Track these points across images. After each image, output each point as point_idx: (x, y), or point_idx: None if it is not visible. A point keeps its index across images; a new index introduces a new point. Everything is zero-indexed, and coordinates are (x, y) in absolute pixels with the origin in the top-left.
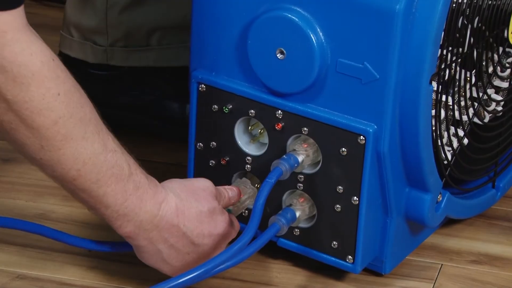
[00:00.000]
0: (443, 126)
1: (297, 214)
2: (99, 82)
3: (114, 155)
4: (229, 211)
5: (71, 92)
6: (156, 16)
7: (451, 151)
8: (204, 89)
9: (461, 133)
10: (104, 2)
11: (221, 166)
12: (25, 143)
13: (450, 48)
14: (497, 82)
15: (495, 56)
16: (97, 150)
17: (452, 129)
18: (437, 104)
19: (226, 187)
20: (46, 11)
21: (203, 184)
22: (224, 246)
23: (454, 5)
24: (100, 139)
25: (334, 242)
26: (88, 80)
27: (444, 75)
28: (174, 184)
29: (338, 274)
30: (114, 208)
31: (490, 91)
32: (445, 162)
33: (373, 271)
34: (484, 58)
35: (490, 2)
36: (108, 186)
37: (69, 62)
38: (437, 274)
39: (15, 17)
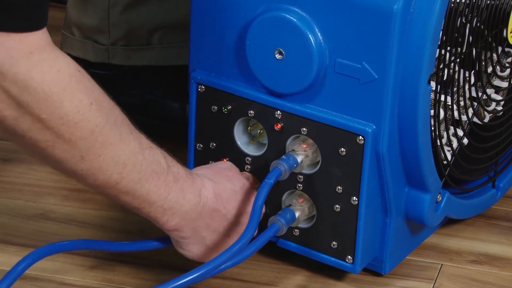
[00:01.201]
0: (443, 126)
1: (297, 214)
2: (100, 81)
3: (151, 151)
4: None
5: (101, 99)
6: (158, 15)
7: (451, 151)
8: (203, 90)
9: (460, 133)
10: (105, 1)
11: None
12: (64, 157)
13: (448, 48)
14: (496, 82)
15: (494, 56)
16: (134, 149)
17: (452, 129)
18: (436, 104)
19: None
20: None
21: (227, 165)
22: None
23: (452, 4)
24: (135, 138)
25: (334, 242)
26: None
27: (443, 75)
28: (203, 170)
29: (337, 274)
30: (159, 203)
31: (490, 91)
32: (445, 162)
33: (373, 271)
34: (483, 58)
35: (488, 1)
36: (150, 183)
37: None
38: (437, 274)
39: (40, 37)
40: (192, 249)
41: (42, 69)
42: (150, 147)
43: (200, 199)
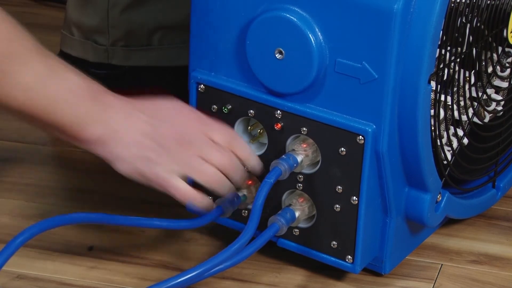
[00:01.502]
0: (443, 126)
1: (297, 214)
2: (99, 81)
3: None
4: (243, 198)
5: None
6: (157, 16)
7: (451, 151)
8: (203, 90)
9: (460, 133)
10: (105, 1)
11: None
12: None
13: (448, 48)
14: (497, 82)
15: (495, 56)
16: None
17: (452, 129)
18: (436, 103)
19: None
20: (46, 11)
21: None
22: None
23: (452, 4)
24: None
25: (334, 242)
26: None
27: (443, 75)
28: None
29: (337, 274)
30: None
31: (490, 91)
32: (445, 162)
33: (372, 271)
34: (483, 58)
35: (489, 1)
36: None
37: (70, 61)
38: (437, 274)
39: None
40: (121, 163)
41: None
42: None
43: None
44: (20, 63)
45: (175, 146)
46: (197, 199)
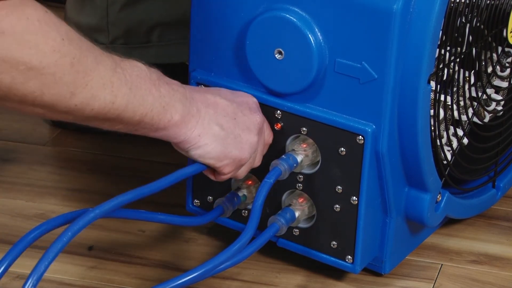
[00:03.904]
0: (442, 126)
1: (297, 214)
2: None
3: (126, 62)
4: (243, 198)
5: (69, 32)
6: (156, 13)
7: (451, 151)
8: None
9: (460, 133)
10: (104, 0)
11: None
12: (55, 100)
13: (448, 48)
14: (496, 82)
15: (494, 56)
16: (112, 66)
17: (452, 129)
18: (436, 103)
19: None
20: None
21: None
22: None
23: (452, 4)
24: (108, 56)
25: (334, 242)
26: None
27: (443, 75)
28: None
29: (337, 274)
30: (156, 103)
31: (490, 90)
32: (445, 162)
33: (372, 271)
34: (483, 57)
35: (488, 1)
36: (140, 88)
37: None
38: (437, 274)
39: None
40: (205, 141)
41: (11, 21)
42: (122, 59)
43: (184, 86)
44: (95, 61)
45: (247, 131)
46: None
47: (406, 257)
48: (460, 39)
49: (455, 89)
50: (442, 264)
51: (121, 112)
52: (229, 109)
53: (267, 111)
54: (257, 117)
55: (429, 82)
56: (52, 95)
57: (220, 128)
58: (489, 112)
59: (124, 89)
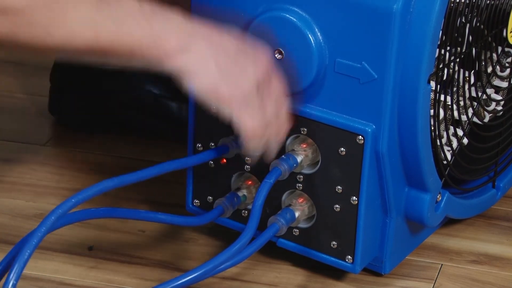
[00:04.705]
0: (442, 126)
1: (297, 214)
2: (99, 80)
3: None
4: (243, 198)
5: None
6: None
7: (451, 151)
8: None
9: (460, 133)
10: None
11: (221, 167)
12: (33, 39)
13: (448, 48)
14: (496, 82)
15: (494, 56)
16: (94, 1)
17: (452, 129)
18: (436, 103)
19: None
20: None
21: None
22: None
23: (452, 4)
24: None
25: (334, 242)
26: (86, 79)
27: (443, 75)
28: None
29: (337, 274)
30: (146, 35)
31: (490, 90)
32: (445, 162)
33: (372, 271)
34: (483, 57)
35: (488, 1)
36: (128, 23)
37: (68, 61)
38: (437, 274)
39: None
40: (201, 75)
41: None
42: None
43: (184, 17)
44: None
45: (244, 72)
46: (258, 134)
47: (406, 257)
48: (460, 39)
49: (455, 89)
50: (442, 264)
51: (108, 48)
52: (231, 48)
53: None
54: (262, 64)
55: (429, 82)
56: (27, 34)
57: (215, 64)
58: (489, 112)
59: (109, 25)
